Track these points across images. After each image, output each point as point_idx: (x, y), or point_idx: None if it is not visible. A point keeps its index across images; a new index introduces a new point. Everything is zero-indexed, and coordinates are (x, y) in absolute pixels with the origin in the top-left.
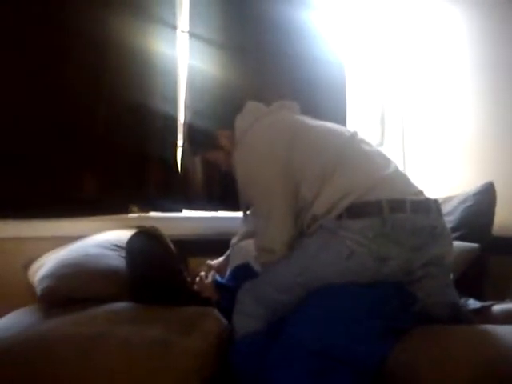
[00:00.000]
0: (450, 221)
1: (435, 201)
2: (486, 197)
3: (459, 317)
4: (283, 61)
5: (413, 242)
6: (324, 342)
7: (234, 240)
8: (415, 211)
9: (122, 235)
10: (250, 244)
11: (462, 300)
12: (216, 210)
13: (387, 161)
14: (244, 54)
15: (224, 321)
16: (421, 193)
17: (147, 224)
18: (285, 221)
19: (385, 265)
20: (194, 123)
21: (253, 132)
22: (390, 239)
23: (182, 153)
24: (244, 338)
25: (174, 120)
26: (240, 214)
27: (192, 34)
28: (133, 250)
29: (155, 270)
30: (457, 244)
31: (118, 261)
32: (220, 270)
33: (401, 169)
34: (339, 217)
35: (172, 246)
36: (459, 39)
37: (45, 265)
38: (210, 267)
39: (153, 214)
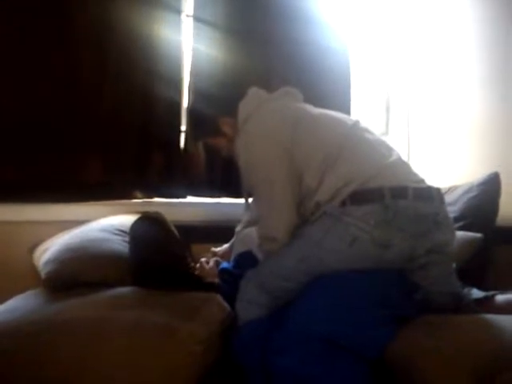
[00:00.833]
0: (453, 210)
1: (438, 189)
2: (490, 187)
3: (462, 306)
4: (288, 47)
5: (415, 229)
6: (327, 329)
7: (238, 228)
8: (418, 198)
9: (126, 220)
10: (253, 231)
11: (466, 290)
12: (219, 196)
13: (389, 149)
14: (249, 39)
15: (227, 307)
16: (423, 181)
17: (151, 209)
18: (288, 209)
19: (387, 251)
20: (198, 108)
21: (255, 119)
22: (392, 225)
23: (186, 138)
24: (247, 324)
25: (178, 105)
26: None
27: (197, 18)
28: (136, 234)
29: (159, 255)
30: (460, 234)
31: (121, 245)
32: (224, 257)
33: (405, 158)
34: (343, 203)
35: (176, 231)
36: (465, 27)
37: (49, 249)
38: (215, 254)
39: (157, 199)
